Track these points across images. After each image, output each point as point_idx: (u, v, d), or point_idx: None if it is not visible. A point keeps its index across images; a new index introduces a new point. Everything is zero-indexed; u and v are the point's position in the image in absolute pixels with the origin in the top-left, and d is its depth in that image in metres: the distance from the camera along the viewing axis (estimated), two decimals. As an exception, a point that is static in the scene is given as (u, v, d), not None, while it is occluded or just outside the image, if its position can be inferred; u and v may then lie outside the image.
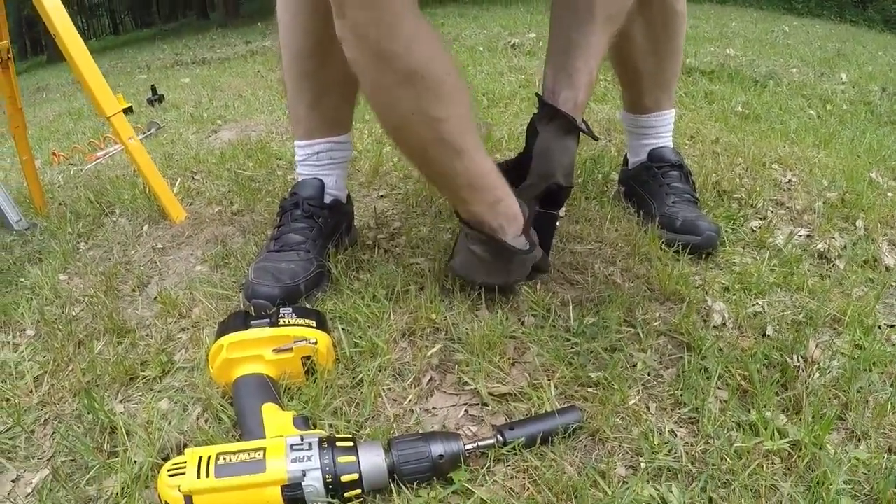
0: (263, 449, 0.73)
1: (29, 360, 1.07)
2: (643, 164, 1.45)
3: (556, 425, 0.82)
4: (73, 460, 0.86)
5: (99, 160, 2.42)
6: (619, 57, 1.42)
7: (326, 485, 0.72)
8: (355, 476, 0.73)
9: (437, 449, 0.76)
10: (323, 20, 1.16)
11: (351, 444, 0.76)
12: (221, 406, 0.90)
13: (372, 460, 0.74)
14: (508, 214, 1.01)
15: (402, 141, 0.99)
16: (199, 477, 0.70)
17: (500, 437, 0.80)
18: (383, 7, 0.82)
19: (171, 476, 0.72)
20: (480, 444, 0.79)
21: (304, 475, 0.72)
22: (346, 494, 0.73)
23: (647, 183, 1.42)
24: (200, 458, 0.72)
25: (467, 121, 0.96)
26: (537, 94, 1.09)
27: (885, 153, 2.23)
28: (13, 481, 0.84)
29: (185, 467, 0.72)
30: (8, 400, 0.98)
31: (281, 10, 1.18)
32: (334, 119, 1.27)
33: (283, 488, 0.71)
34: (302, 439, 0.75)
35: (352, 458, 0.74)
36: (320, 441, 0.75)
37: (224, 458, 0.72)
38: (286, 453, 0.73)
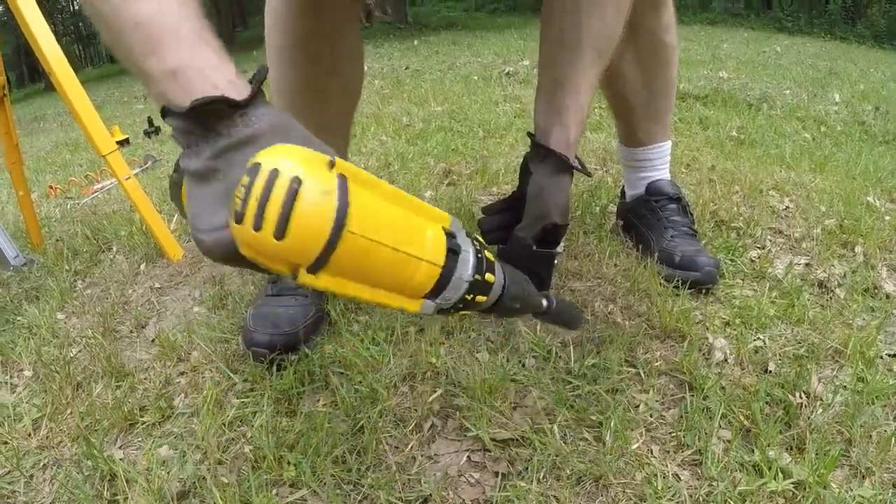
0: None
1: (27, 403, 1.06)
2: (641, 197, 1.45)
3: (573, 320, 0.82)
4: (72, 507, 0.85)
5: (95, 194, 2.42)
6: (612, 91, 1.42)
7: (475, 263, 0.61)
8: (492, 279, 0.63)
9: (532, 289, 0.72)
10: (314, 58, 1.17)
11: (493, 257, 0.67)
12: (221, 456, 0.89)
13: (505, 271, 0.67)
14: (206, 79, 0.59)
15: None
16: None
17: (547, 301, 0.77)
18: None
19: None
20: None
21: (468, 235, 0.63)
22: (477, 298, 0.62)
23: (645, 217, 1.42)
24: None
25: None
26: (529, 134, 1.09)
27: (880, 174, 2.23)
28: (12, 530, 0.83)
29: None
30: (6, 443, 0.97)
31: (270, 49, 1.17)
32: None
33: (447, 234, 0.60)
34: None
35: (493, 259, 0.65)
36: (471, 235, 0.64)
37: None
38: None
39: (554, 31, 1.04)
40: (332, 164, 0.48)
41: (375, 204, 0.51)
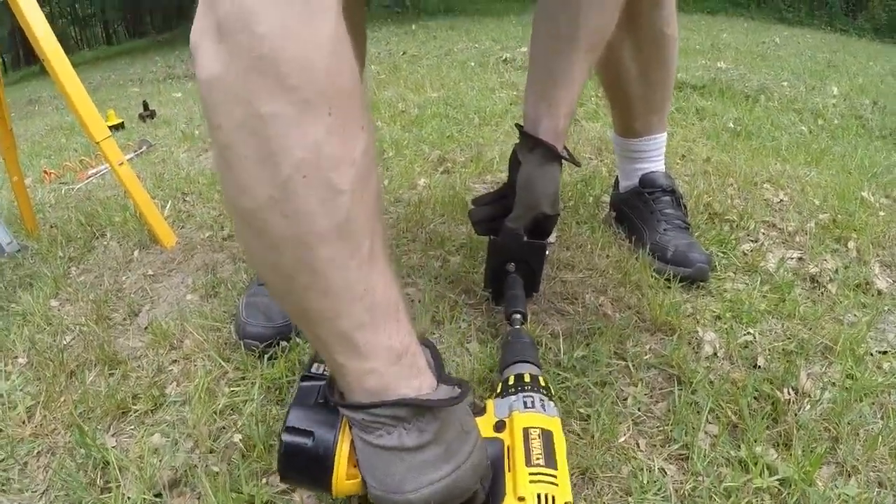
0: None
1: (21, 390, 1.06)
2: (634, 189, 1.45)
3: None
4: (66, 495, 0.85)
5: (90, 179, 2.41)
6: (610, 81, 1.42)
7: None
8: None
9: None
10: None
11: None
12: (212, 444, 0.89)
13: None
14: (419, 367, 0.64)
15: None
16: None
17: None
18: None
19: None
20: None
21: None
22: None
23: (638, 209, 1.42)
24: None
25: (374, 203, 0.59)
26: (517, 125, 1.09)
27: (876, 170, 2.23)
28: (7, 516, 0.84)
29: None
30: (1, 431, 0.97)
31: None
32: None
33: None
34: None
35: None
36: None
37: None
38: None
39: (550, 23, 1.04)
40: None
41: None
